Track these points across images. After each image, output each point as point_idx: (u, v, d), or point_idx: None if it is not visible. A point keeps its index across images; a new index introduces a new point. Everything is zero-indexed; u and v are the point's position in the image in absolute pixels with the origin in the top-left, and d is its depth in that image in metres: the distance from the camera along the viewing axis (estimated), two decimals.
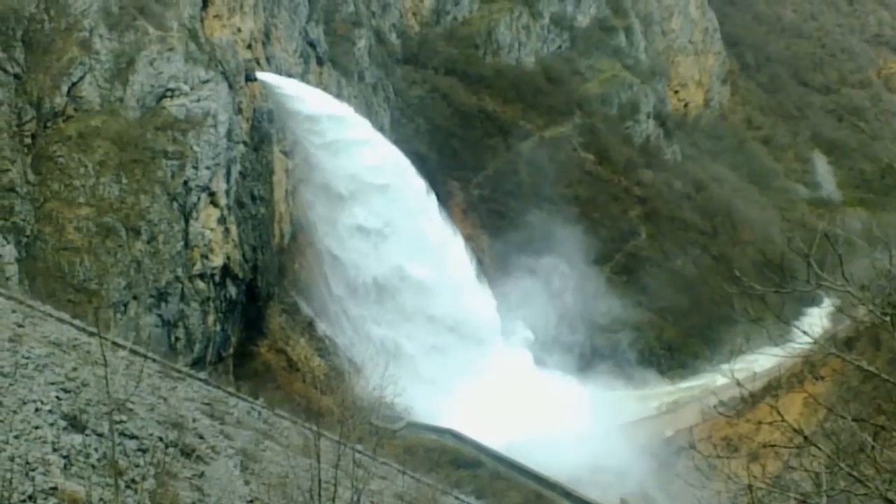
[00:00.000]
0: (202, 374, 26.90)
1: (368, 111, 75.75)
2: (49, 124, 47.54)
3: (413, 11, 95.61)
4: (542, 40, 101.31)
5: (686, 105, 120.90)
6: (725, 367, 67.75)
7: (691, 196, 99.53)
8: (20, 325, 19.77)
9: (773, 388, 46.12)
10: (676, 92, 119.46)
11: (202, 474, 16.00)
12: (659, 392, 75.18)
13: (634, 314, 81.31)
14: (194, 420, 18.94)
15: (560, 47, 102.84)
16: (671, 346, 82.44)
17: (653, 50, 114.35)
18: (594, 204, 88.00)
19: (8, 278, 38.89)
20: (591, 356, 78.33)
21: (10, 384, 15.52)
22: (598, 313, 79.30)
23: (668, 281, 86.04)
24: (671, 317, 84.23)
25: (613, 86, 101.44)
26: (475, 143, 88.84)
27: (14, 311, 21.04)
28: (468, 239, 78.37)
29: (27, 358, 17.10)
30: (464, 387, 63.74)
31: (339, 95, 72.05)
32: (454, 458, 50.41)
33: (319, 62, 73.86)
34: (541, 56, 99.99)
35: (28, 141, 45.82)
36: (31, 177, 45.32)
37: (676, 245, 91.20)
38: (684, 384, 76.34)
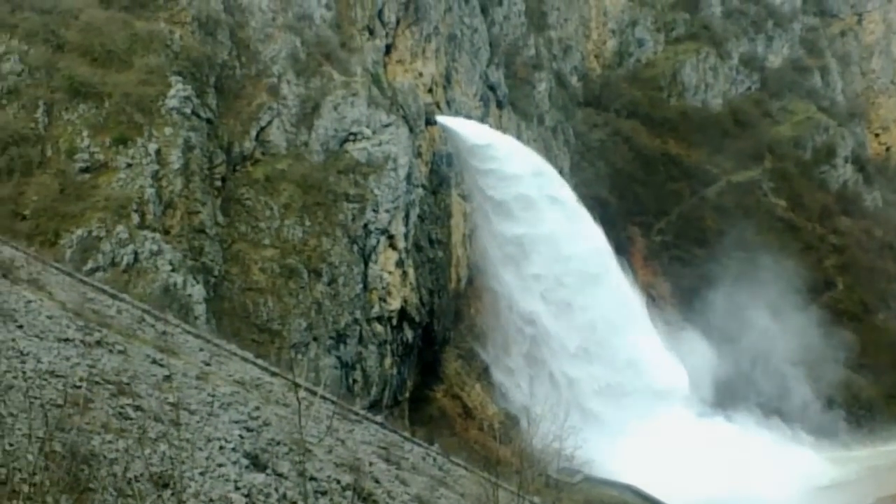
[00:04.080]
0: (379, 418, 26.61)
1: (548, 154, 75.17)
2: (238, 167, 49.02)
3: (595, 54, 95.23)
4: (731, 81, 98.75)
5: (888, 149, 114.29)
6: None
7: (894, 245, 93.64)
8: (207, 364, 19.92)
9: None
10: (877, 135, 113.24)
11: None
12: (857, 455, 70.48)
13: (829, 370, 76.57)
14: (371, 464, 18.52)
15: (749, 88, 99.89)
16: (871, 405, 77.09)
17: (850, 91, 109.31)
18: (786, 252, 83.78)
19: (196, 317, 39.89)
20: (779, 413, 74.33)
21: (197, 421, 15.48)
22: (789, 368, 75.24)
23: (867, 336, 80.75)
24: (871, 374, 78.92)
25: (807, 128, 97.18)
26: (658, 187, 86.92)
27: (202, 350, 21.31)
28: (649, 286, 76.38)
29: (213, 396, 17.12)
30: (639, 438, 61.47)
31: (518, 139, 71.79)
32: None
33: (499, 105, 74.02)
34: (729, 98, 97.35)
35: (218, 184, 47.29)
36: (220, 218, 46.68)
37: (877, 298, 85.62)
38: (886, 447, 71.41)
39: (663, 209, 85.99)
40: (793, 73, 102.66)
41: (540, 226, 65.71)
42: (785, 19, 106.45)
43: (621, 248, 73.47)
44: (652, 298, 76.19)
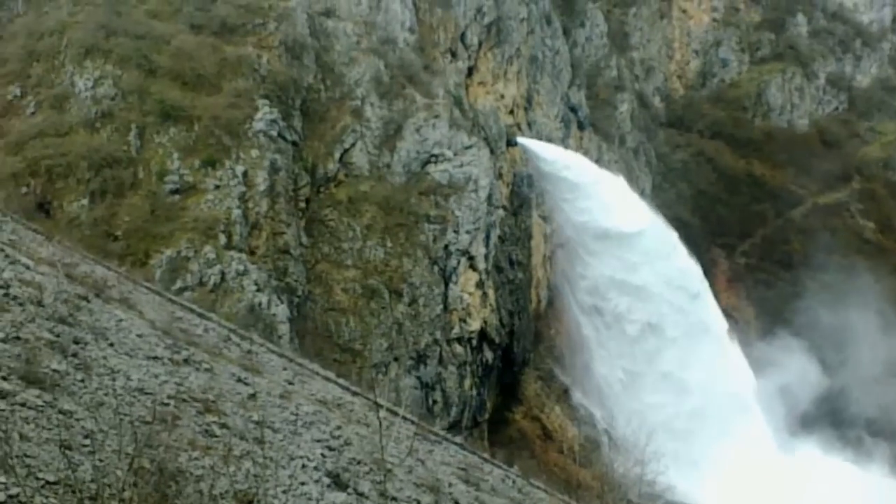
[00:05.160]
0: (458, 439, 26.50)
1: (629, 175, 74.59)
2: (321, 189, 49.73)
3: (678, 74, 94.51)
4: (817, 102, 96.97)
5: None
6: None
7: None
8: (290, 383, 20.09)
9: None
10: None
11: None
12: None
13: None
14: (450, 485, 18.42)
15: (837, 109, 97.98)
16: None
17: None
18: (874, 275, 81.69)
19: (280, 336, 40.42)
20: (868, 441, 72.23)
21: (281, 440, 15.66)
22: (877, 396, 72.97)
23: None
24: None
25: None
26: (742, 208, 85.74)
27: (285, 369, 21.48)
28: (732, 309, 75.04)
29: (295, 415, 17.27)
30: (720, 463, 60.13)
31: (599, 160, 71.42)
32: None
33: (580, 127, 73.78)
34: (815, 118, 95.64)
35: (302, 205, 48.06)
36: (304, 239, 47.38)
37: None
38: None
39: (747, 231, 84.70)
40: (881, 92, 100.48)
41: (672, 361, 59.28)
42: (873, 39, 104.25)
43: (704, 271, 72.30)
44: (735, 321, 74.80)
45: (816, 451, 68.64)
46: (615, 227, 57.66)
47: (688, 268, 61.24)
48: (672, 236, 60.85)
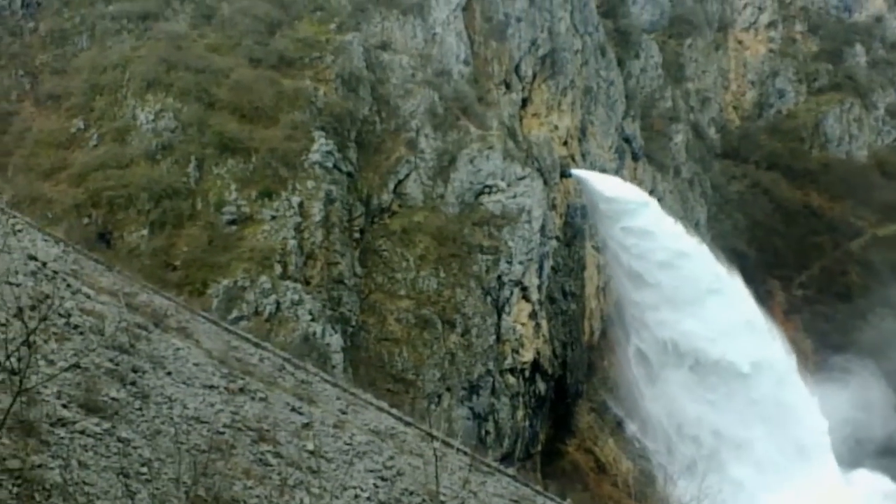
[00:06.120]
0: (511, 470, 26.40)
1: (684, 206, 74.12)
2: (376, 220, 50.05)
3: (734, 105, 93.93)
4: (877, 132, 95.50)
5: None
6: None
7: None
8: (343, 412, 20.23)
9: None
10: None
11: None
12: None
13: None
14: None
15: None
16: None
17: None
18: None
19: (334, 366, 40.62)
20: None
21: (334, 469, 15.77)
22: None
23: None
24: None
25: None
26: (799, 240, 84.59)
27: (339, 398, 21.64)
28: (790, 342, 73.78)
29: (349, 444, 17.38)
30: (781, 497, 58.90)
31: (653, 191, 70.95)
32: None
33: (634, 157, 73.46)
34: (874, 149, 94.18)
35: (357, 235, 48.40)
36: (358, 269, 47.68)
37: None
38: None
39: (804, 263, 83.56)
40: None
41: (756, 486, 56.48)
42: None
43: (760, 303, 71.35)
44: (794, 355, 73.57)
45: (883, 482, 67.19)
46: (725, 360, 53.42)
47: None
48: (792, 365, 54.09)
